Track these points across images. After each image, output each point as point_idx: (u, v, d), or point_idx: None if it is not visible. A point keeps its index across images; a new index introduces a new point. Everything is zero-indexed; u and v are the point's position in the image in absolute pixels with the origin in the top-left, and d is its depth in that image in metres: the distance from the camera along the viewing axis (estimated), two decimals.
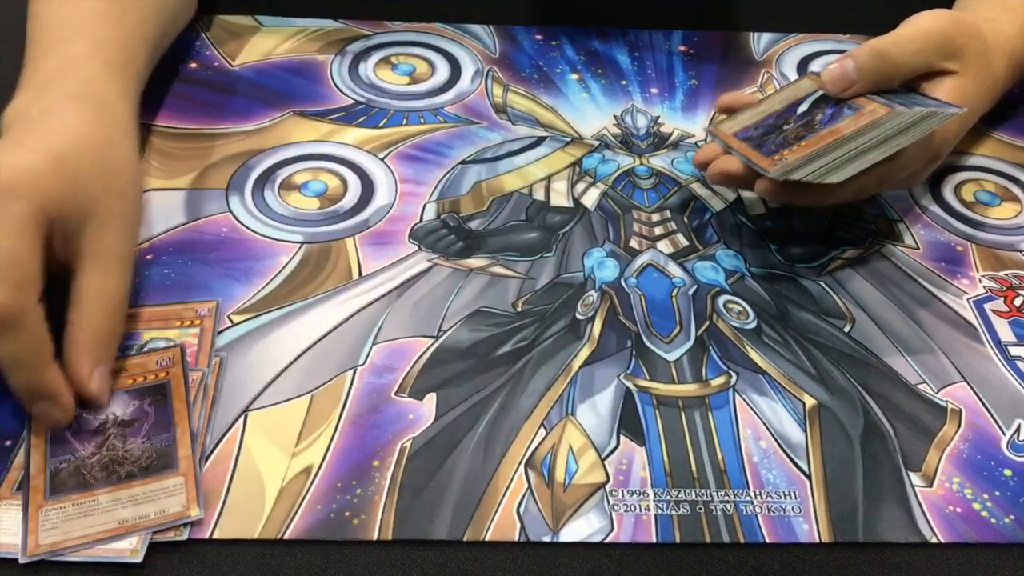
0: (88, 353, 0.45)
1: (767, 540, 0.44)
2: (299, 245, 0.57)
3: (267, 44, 0.72)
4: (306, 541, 0.43)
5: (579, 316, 0.54)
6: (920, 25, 0.58)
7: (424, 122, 0.67)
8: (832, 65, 0.56)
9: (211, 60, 0.70)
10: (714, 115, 0.67)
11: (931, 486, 0.47)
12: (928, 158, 0.58)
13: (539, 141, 0.66)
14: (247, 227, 0.58)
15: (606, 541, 0.44)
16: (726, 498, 0.46)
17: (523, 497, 0.45)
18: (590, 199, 0.62)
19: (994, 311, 0.56)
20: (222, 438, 0.46)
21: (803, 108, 0.56)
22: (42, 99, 0.50)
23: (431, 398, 0.49)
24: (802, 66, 0.75)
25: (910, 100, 0.55)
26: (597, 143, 0.67)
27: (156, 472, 0.44)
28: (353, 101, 0.68)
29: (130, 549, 0.41)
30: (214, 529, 0.43)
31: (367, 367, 0.50)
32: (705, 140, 0.65)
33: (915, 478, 0.47)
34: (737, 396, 0.50)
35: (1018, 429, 0.50)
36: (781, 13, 0.81)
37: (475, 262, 0.57)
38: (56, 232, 0.45)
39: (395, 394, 0.49)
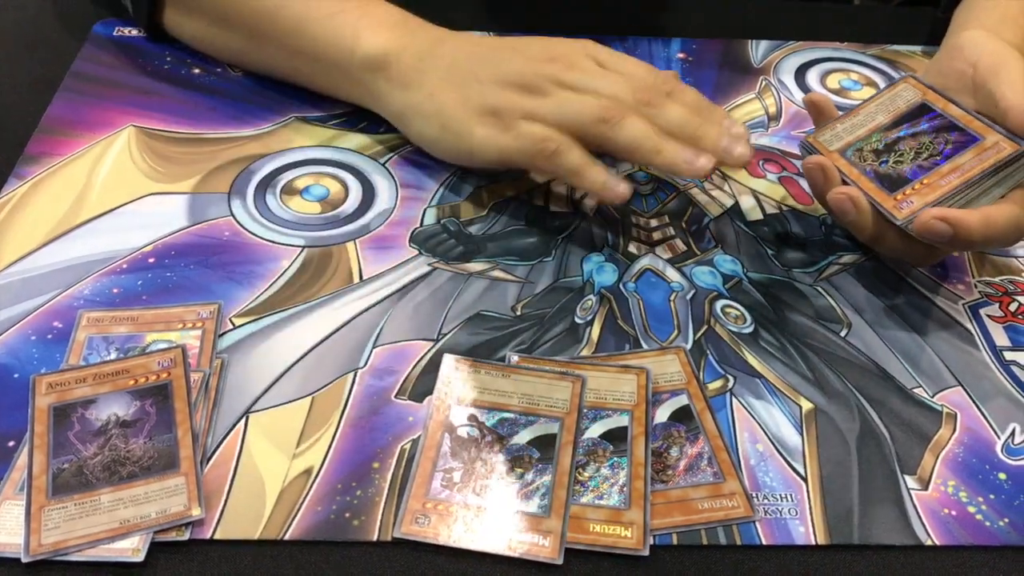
0: None
1: (763, 542, 0.44)
2: (300, 249, 0.57)
3: None
4: (306, 542, 0.43)
5: (578, 320, 0.54)
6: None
7: None
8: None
9: (214, 65, 0.70)
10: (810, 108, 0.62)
11: (926, 489, 0.47)
12: None
13: None
14: (249, 231, 0.58)
15: None
16: None
17: None
18: (589, 204, 0.63)
19: (989, 316, 0.57)
20: (223, 439, 0.47)
21: (914, 128, 0.56)
22: None
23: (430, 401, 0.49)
24: (800, 73, 0.75)
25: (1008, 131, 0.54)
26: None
27: (158, 472, 0.44)
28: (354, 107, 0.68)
29: (132, 549, 0.42)
30: (215, 529, 0.43)
31: (368, 370, 0.51)
32: (802, 152, 0.61)
33: (910, 481, 0.47)
34: (734, 399, 0.51)
35: (1013, 433, 0.50)
36: (779, 21, 0.81)
37: (475, 266, 0.57)
38: None
39: (395, 397, 0.49)
